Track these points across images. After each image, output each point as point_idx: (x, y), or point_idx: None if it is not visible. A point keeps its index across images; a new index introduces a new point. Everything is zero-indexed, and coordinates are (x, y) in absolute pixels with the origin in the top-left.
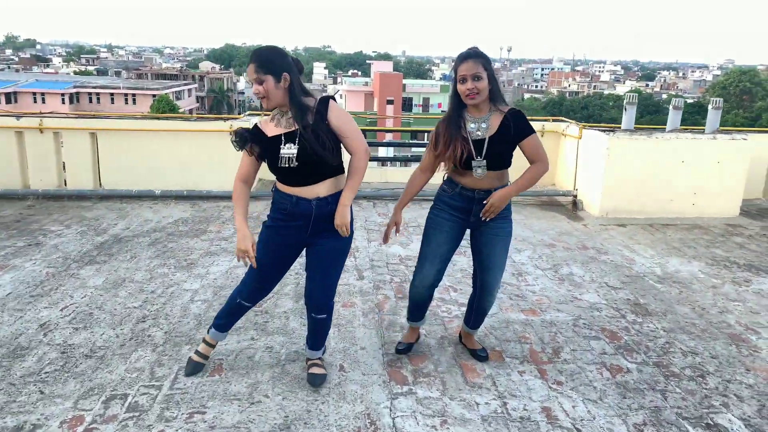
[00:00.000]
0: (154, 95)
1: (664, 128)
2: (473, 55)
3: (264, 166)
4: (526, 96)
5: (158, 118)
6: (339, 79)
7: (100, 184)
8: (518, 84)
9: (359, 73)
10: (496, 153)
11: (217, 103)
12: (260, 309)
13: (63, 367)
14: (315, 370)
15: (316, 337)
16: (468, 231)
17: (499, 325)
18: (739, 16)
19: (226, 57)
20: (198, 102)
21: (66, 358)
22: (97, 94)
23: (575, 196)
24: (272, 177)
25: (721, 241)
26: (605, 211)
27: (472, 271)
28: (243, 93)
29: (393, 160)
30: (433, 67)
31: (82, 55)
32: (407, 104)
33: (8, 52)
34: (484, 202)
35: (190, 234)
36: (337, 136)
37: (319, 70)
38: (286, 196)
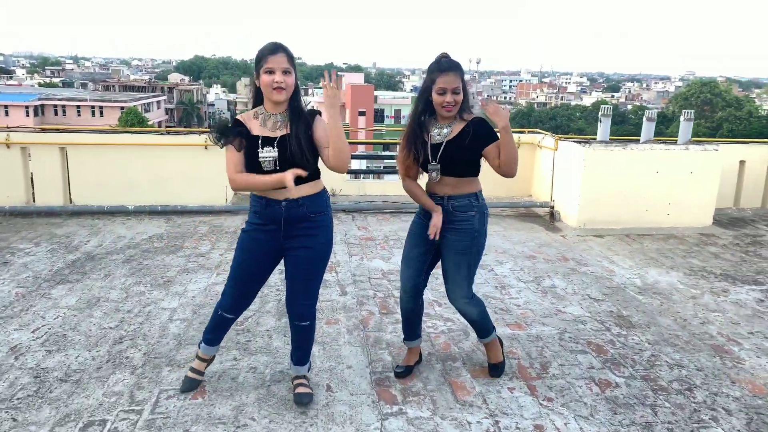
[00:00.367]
0: (122, 107)
1: (638, 139)
2: (455, 68)
3: None
4: None
5: (130, 132)
6: (310, 91)
7: (71, 200)
8: (487, 95)
9: None
10: (450, 157)
11: (187, 115)
12: (242, 327)
13: (36, 393)
14: (301, 389)
15: (301, 349)
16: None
17: None
18: (699, 29)
19: (195, 69)
20: (167, 114)
21: (39, 382)
22: (63, 106)
23: (552, 207)
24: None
25: (696, 250)
26: (582, 222)
27: None
28: (213, 105)
29: (366, 172)
30: (403, 79)
31: (46, 67)
32: (379, 116)
33: None
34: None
35: (165, 250)
36: (316, 147)
37: None
38: (258, 199)
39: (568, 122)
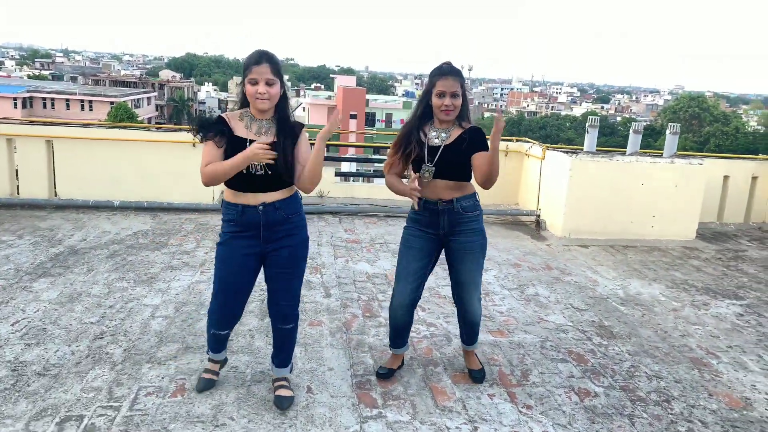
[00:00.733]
0: (111, 102)
1: (624, 151)
2: (455, 72)
3: None
4: (486, 114)
5: (119, 128)
6: (302, 92)
7: (56, 194)
8: (479, 102)
9: (322, 86)
10: (447, 161)
11: (177, 112)
12: None
13: (14, 386)
14: (282, 392)
15: (283, 351)
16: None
17: None
18: (687, 44)
19: (186, 66)
20: (157, 110)
21: (17, 376)
22: (52, 99)
23: (538, 216)
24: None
25: (679, 263)
26: (568, 232)
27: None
28: (204, 103)
29: (356, 175)
30: (395, 84)
31: (36, 59)
32: (370, 119)
33: None
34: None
35: (150, 247)
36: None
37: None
38: (232, 206)
39: (557, 132)
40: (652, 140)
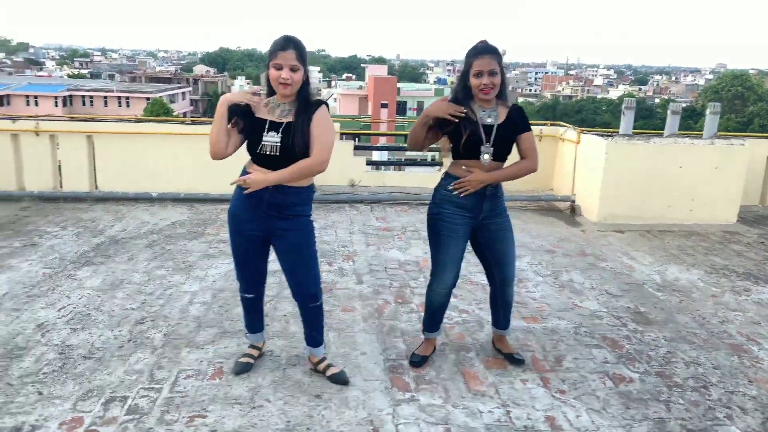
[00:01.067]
0: (147, 98)
1: (662, 133)
2: (491, 50)
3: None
4: (521, 99)
5: (155, 122)
6: (333, 83)
7: (96, 187)
8: (512, 87)
9: (353, 76)
10: (503, 141)
11: (212, 106)
12: None
13: (61, 368)
14: (333, 370)
15: (315, 329)
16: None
17: None
18: (730, 21)
19: (220, 61)
20: (192, 105)
21: (64, 359)
22: (91, 97)
23: (573, 201)
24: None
25: (719, 248)
26: (603, 217)
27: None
28: None
29: (387, 163)
30: (427, 71)
31: (75, 59)
32: (401, 108)
33: (1, 55)
34: (466, 178)
35: (187, 236)
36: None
37: (314, 74)
38: (242, 189)
39: (593, 116)
40: (692, 122)
